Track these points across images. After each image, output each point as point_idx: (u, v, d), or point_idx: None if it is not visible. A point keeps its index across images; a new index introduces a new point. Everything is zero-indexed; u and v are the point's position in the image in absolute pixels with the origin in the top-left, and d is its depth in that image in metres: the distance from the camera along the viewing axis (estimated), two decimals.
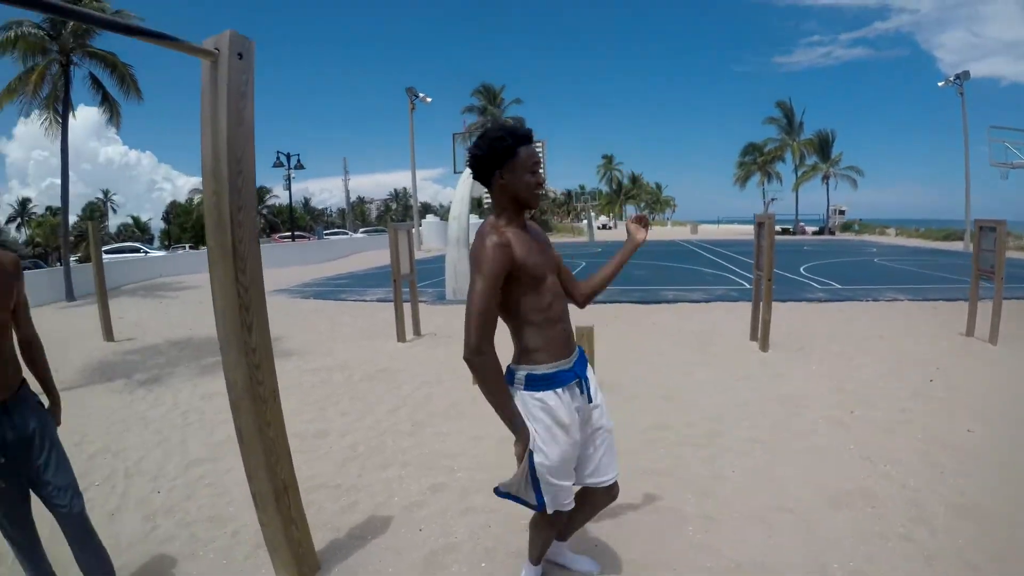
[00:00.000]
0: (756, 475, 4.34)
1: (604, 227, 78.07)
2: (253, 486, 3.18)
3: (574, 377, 2.61)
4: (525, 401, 2.54)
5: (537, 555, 3.05)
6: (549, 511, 2.68)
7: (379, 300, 15.06)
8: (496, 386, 2.42)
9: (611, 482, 2.82)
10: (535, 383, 2.54)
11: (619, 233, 58.45)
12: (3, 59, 19.67)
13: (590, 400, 2.69)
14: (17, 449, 2.66)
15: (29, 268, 29.59)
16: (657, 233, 60.80)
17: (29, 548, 2.85)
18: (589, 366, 2.80)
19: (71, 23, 19.30)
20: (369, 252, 34.40)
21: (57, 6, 2.38)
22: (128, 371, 8.70)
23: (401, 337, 9.83)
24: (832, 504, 3.88)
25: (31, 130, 22.76)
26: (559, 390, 2.55)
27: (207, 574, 3.44)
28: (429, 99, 38.23)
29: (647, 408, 5.80)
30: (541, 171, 2.61)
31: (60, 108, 20.57)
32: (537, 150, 2.62)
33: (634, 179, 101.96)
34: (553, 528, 2.92)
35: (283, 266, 24.51)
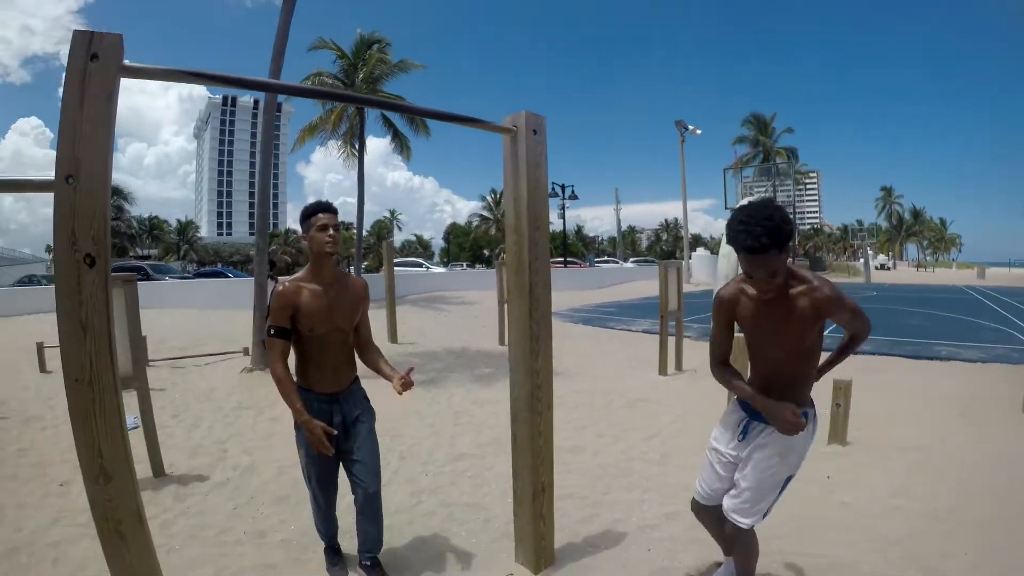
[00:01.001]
0: (991, 561, 3.89)
1: (882, 267, 70.67)
2: (516, 484, 3.84)
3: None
4: None
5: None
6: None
7: (644, 331, 15.44)
8: None
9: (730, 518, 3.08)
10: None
11: (898, 275, 52.78)
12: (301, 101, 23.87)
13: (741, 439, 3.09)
14: (340, 429, 3.45)
15: None
16: (939, 276, 54.80)
17: (327, 507, 3.72)
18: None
19: (362, 73, 23.04)
20: (638, 282, 34.65)
21: (387, 103, 3.18)
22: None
23: (663, 370, 10.13)
24: None
25: (326, 157, 26.67)
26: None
27: (457, 548, 4.10)
28: (699, 131, 37.93)
29: (893, 472, 5.49)
30: None
31: (355, 143, 24.70)
32: None
33: (916, 214, 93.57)
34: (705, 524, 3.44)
35: (554, 290, 24.64)
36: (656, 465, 5.73)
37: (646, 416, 7.49)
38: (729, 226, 2.70)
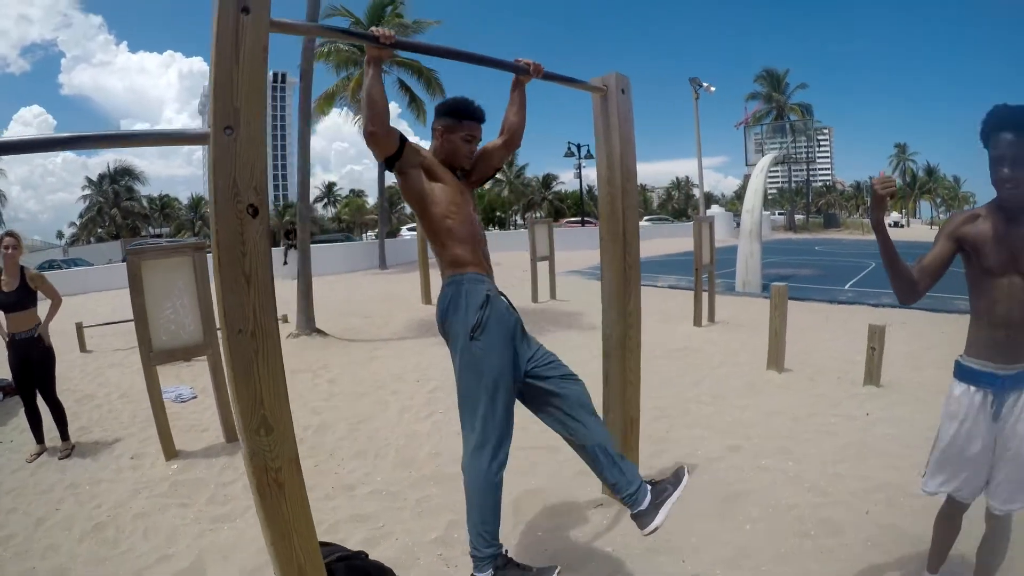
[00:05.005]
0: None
1: (895, 224, 68.29)
2: (607, 418, 4.01)
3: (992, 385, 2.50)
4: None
5: (930, 562, 2.99)
6: (924, 490, 2.74)
7: (669, 287, 15.54)
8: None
9: (998, 510, 2.59)
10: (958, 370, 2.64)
11: (912, 232, 51.78)
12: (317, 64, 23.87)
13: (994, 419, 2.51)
14: None
15: (341, 240, 34.07)
16: None
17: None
18: None
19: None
20: (654, 240, 34.18)
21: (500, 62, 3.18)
22: None
23: (697, 322, 10.28)
24: None
25: (332, 124, 26.73)
26: (970, 386, 2.56)
27: (541, 487, 4.28)
28: (713, 88, 36.94)
29: (927, 411, 5.33)
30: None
31: None
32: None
33: (929, 171, 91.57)
34: (942, 530, 2.86)
35: (573, 249, 24.27)
36: (709, 406, 5.96)
37: (689, 364, 7.68)
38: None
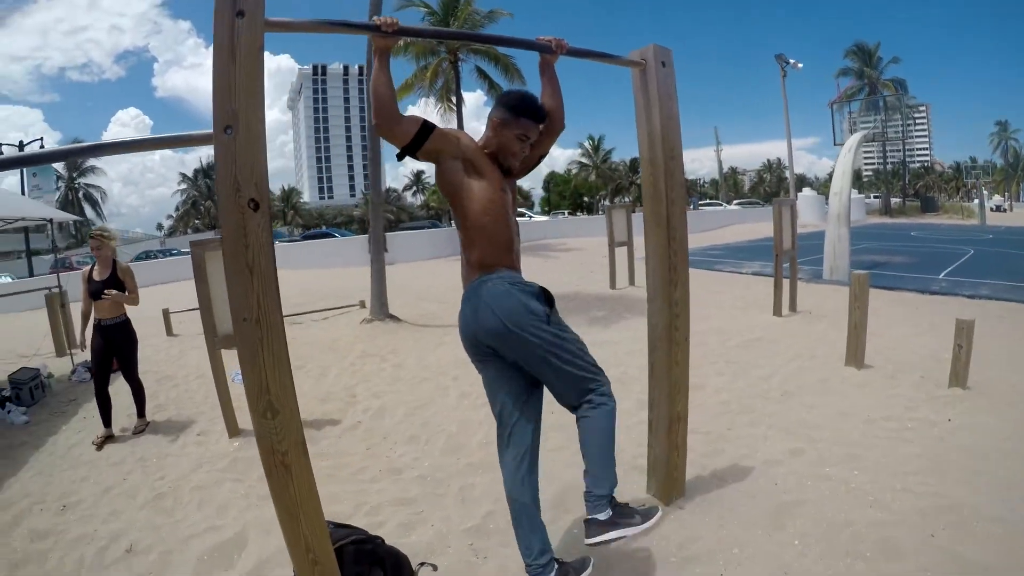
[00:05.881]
0: None
1: (998, 208, 62.40)
2: (651, 414, 3.88)
3: None
4: None
5: None
6: None
7: (754, 273, 15.21)
8: None
9: None
10: None
11: (1016, 217, 48.35)
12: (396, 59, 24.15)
13: None
14: None
15: (427, 227, 34.71)
16: None
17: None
18: None
19: (454, 26, 23.31)
20: (747, 224, 33.64)
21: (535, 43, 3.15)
22: None
23: (777, 311, 9.89)
24: None
25: (418, 114, 26.84)
26: None
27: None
28: (800, 65, 35.73)
29: (1014, 418, 5.12)
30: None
31: (452, 97, 25.42)
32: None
33: None
34: None
35: None
36: (777, 403, 5.68)
37: (763, 356, 7.37)
38: None
